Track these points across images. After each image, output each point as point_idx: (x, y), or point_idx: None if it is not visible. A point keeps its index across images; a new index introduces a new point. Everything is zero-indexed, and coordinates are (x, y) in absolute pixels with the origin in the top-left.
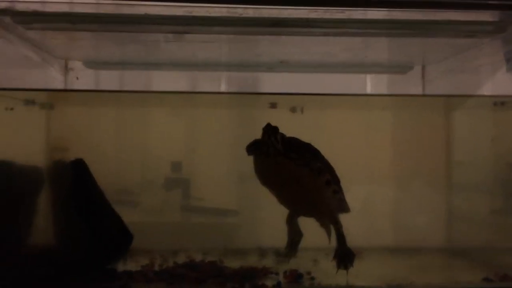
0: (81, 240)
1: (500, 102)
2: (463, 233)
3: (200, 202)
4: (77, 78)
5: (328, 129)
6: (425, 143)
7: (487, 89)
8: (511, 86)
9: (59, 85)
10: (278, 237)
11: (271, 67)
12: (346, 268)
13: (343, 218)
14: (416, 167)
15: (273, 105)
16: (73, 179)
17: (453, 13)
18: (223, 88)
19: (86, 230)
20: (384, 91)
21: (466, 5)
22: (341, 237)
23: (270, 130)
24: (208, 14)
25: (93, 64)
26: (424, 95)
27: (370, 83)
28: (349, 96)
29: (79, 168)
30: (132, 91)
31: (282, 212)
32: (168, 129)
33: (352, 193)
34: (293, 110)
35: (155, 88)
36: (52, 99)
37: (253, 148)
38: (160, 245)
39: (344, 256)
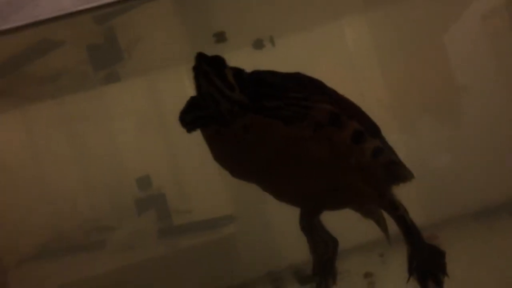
0: None
1: None
2: None
3: None
4: None
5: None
6: None
7: None
8: None
9: None
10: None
11: None
12: (439, 284)
13: None
14: None
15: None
16: None
17: None
18: None
19: None
20: None
21: None
22: (410, 230)
23: (209, 64)
24: None
25: None
26: None
27: None
28: None
29: None
30: None
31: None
32: None
33: None
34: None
35: None
36: None
37: (193, 115)
38: None
39: (427, 262)
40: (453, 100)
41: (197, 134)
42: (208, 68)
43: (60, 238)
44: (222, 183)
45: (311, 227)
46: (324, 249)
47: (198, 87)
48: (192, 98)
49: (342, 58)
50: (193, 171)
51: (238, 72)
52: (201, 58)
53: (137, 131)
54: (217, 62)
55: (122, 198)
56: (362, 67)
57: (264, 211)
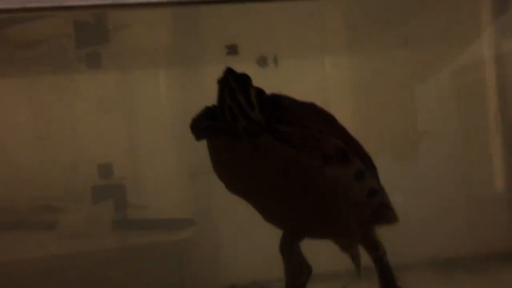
0: None
1: None
2: None
3: None
4: None
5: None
6: None
7: None
8: None
9: None
10: None
11: None
12: None
13: None
14: None
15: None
16: None
17: None
18: None
19: None
20: None
21: None
22: (385, 270)
23: (236, 81)
24: None
25: None
26: None
27: None
28: None
29: None
30: None
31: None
32: None
33: None
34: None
35: None
36: None
37: (206, 125)
38: None
39: None
40: (415, 145)
41: (166, 134)
42: (235, 84)
43: (7, 210)
44: (185, 186)
45: (291, 250)
46: (299, 273)
47: (221, 100)
48: (208, 108)
49: (318, 90)
50: (157, 168)
51: (259, 92)
52: (229, 73)
53: (106, 118)
54: (244, 80)
55: (80, 182)
56: (335, 104)
57: (229, 221)
